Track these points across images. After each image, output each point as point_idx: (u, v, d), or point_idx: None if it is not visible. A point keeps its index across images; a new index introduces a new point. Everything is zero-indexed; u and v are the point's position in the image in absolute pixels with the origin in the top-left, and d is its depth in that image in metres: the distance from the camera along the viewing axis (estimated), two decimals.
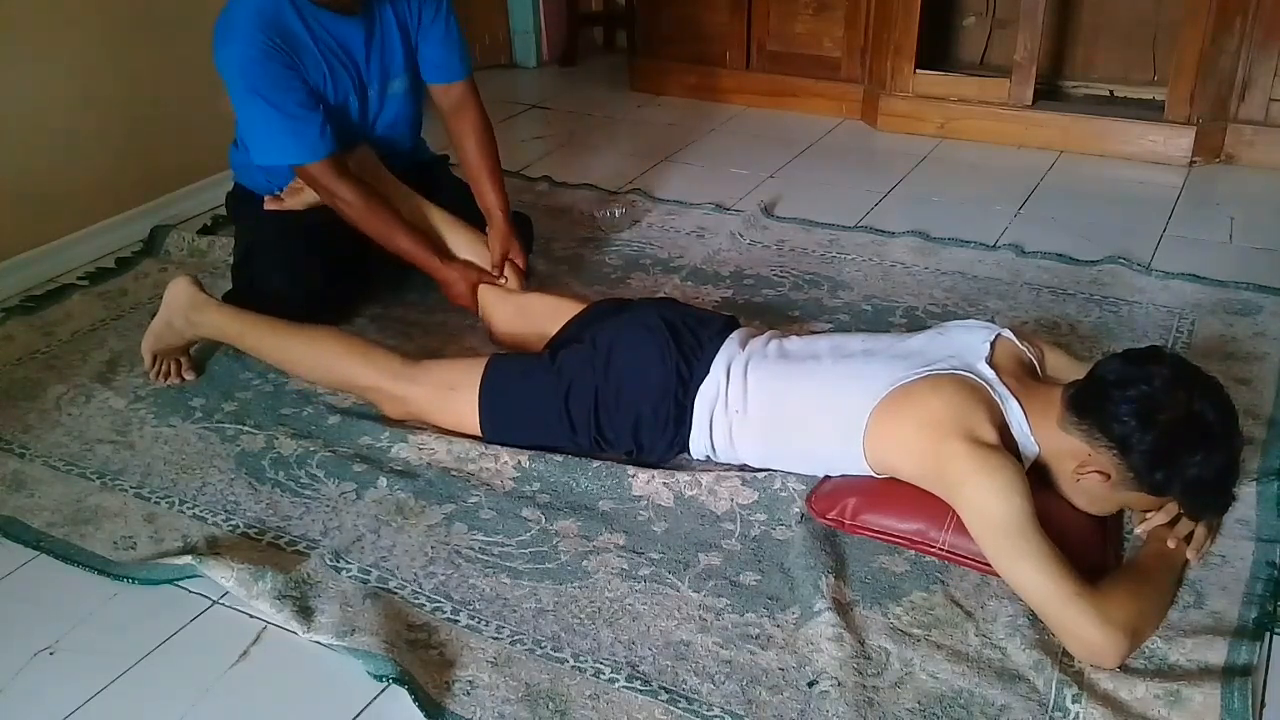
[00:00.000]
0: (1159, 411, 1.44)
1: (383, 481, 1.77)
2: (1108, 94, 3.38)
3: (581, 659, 1.43)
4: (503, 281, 2.19)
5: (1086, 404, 1.51)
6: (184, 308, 2.03)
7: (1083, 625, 1.36)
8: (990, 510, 1.42)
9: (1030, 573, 1.39)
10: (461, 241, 2.25)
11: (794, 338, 1.82)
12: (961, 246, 2.60)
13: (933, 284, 2.44)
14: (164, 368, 2.08)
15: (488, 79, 4.03)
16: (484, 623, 1.49)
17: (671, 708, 1.35)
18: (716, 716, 1.34)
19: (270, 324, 2.00)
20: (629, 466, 1.76)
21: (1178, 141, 3.08)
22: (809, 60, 3.61)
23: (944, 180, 3.07)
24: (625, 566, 1.59)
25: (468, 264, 2.21)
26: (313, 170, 2.12)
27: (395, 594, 1.55)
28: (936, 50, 3.51)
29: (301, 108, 2.08)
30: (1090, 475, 1.49)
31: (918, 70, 3.36)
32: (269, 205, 2.28)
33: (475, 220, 2.29)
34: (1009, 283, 2.43)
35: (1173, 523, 1.55)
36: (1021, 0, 3.16)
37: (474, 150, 2.31)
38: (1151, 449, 1.44)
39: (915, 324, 2.23)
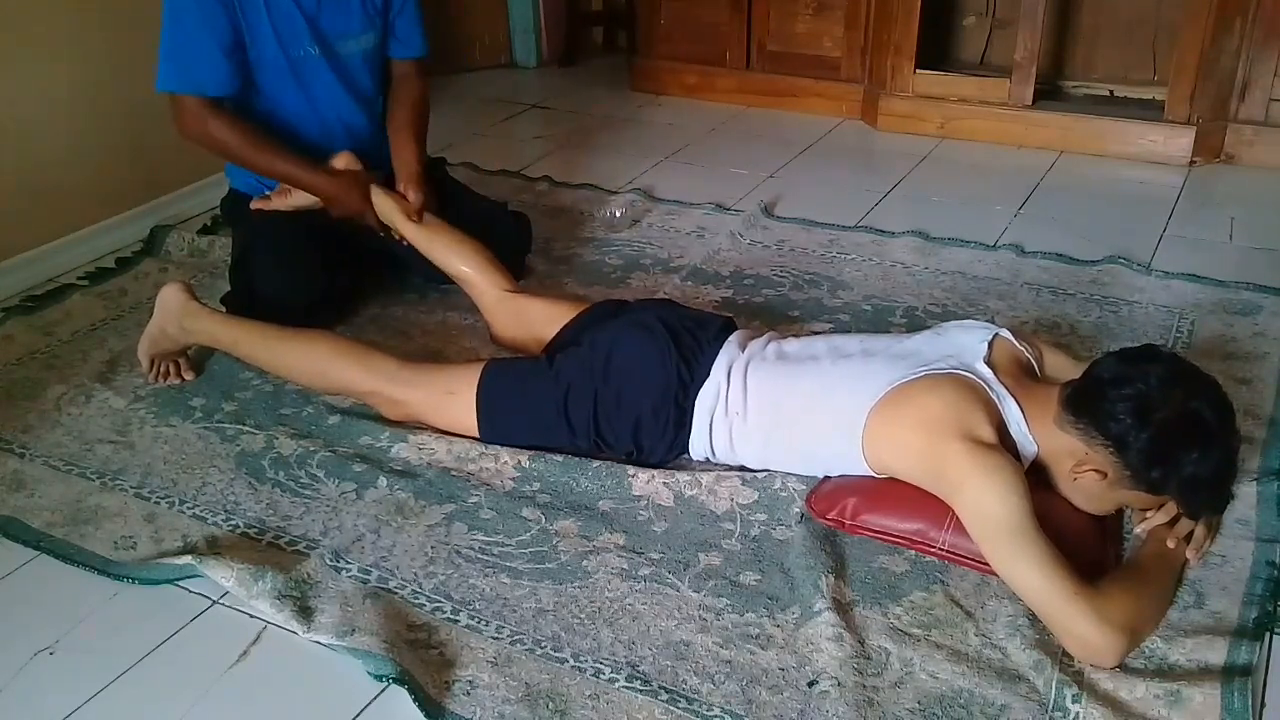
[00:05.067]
0: (1155, 409, 1.44)
1: (383, 481, 1.77)
2: (1108, 94, 3.38)
3: (581, 659, 1.43)
4: (408, 201, 2.16)
5: (1083, 402, 1.51)
6: (176, 315, 2.02)
7: (1080, 625, 1.36)
8: (989, 510, 1.42)
9: (1028, 572, 1.39)
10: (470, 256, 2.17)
11: (792, 339, 1.82)
12: (961, 246, 2.60)
13: (932, 284, 2.44)
14: (162, 368, 2.08)
15: (488, 79, 4.06)
16: (484, 623, 1.49)
17: (671, 708, 1.35)
18: (716, 716, 1.34)
19: (263, 331, 1.99)
20: (629, 466, 1.76)
21: (1178, 141, 3.08)
22: (809, 60, 3.61)
23: (944, 180, 3.07)
24: (625, 566, 1.59)
25: (351, 172, 2.16)
26: (186, 103, 2.11)
27: (395, 594, 1.55)
28: (936, 50, 3.51)
29: (210, 38, 2.04)
30: (1087, 474, 1.50)
31: (918, 70, 3.36)
32: (255, 205, 2.26)
33: (473, 228, 2.22)
34: (1009, 283, 2.43)
35: (1172, 522, 1.55)
36: (1021, 0, 3.16)
37: (404, 113, 2.28)
38: (1147, 447, 1.44)
39: (915, 324, 2.23)
